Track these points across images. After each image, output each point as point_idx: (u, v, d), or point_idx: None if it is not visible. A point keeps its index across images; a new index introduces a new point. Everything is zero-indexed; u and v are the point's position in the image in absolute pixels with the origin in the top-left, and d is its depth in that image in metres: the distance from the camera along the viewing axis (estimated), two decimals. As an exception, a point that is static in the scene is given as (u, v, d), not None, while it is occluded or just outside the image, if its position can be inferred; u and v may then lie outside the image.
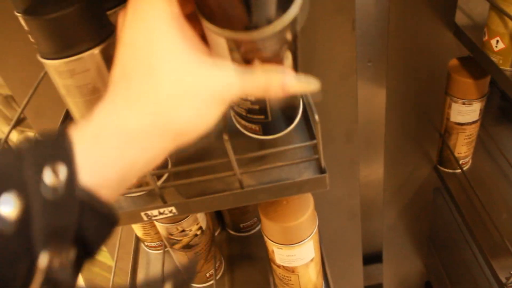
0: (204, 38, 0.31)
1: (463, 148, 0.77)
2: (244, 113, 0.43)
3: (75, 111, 0.48)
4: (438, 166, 0.82)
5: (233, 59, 0.31)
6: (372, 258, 1.10)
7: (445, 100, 0.73)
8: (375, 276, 1.11)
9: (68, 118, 0.67)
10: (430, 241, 0.99)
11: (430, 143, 0.80)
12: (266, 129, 0.43)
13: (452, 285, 0.97)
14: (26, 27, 0.52)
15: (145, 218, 0.49)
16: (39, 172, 0.23)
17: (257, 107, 0.41)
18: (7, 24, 0.65)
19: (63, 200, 0.24)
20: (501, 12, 0.54)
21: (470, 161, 0.82)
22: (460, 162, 0.79)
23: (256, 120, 0.43)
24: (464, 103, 0.71)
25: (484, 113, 0.79)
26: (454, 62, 0.71)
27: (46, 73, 0.61)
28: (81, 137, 0.26)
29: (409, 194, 0.87)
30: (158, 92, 0.27)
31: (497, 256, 0.69)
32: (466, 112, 0.72)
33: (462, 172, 0.78)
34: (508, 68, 0.58)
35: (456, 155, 0.78)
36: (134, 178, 0.29)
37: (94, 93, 0.45)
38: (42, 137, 0.26)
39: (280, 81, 0.31)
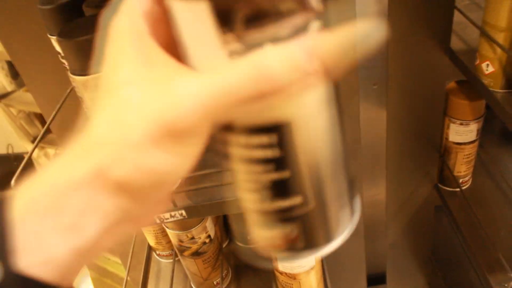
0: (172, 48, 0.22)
1: (462, 167, 0.81)
2: (257, 204, 0.26)
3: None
4: (439, 185, 0.86)
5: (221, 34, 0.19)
6: (375, 279, 1.12)
7: (444, 121, 0.77)
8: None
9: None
10: (433, 259, 1.01)
11: (430, 163, 0.83)
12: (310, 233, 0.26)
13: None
14: (58, 48, 0.59)
15: (157, 221, 0.53)
16: None
17: (286, 173, 0.24)
18: (39, 46, 0.72)
19: None
20: (490, 39, 0.59)
21: (470, 180, 0.85)
22: (460, 181, 0.82)
23: (287, 217, 0.26)
24: (461, 124, 0.75)
25: (485, 134, 0.83)
26: (452, 84, 0.75)
27: (71, 91, 0.67)
28: (20, 208, 0.22)
29: (411, 213, 0.90)
30: (98, 129, 0.21)
31: (494, 272, 0.72)
32: (463, 132, 0.75)
33: (461, 190, 0.81)
34: (499, 90, 0.62)
35: (456, 174, 0.81)
36: (92, 252, 0.23)
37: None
38: None
39: (306, 51, 0.18)
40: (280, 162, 0.24)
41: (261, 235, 0.28)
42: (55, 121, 0.81)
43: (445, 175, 0.84)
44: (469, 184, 0.85)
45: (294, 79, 0.19)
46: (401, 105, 0.76)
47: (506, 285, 0.67)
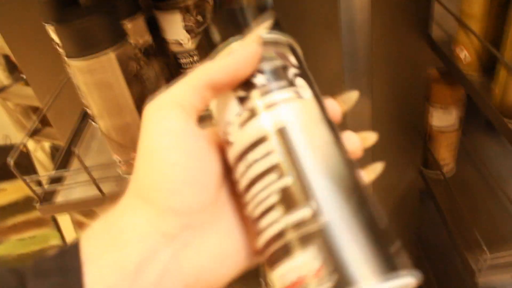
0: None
1: (445, 154, 0.84)
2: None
3: (92, 105, 0.56)
4: (423, 170, 0.89)
5: None
6: None
7: (426, 107, 0.80)
8: None
9: (84, 118, 0.76)
10: (419, 244, 1.04)
11: (415, 149, 0.86)
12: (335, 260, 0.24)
13: (439, 286, 1.02)
14: (54, 37, 0.61)
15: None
16: None
17: (288, 180, 0.25)
18: (36, 36, 0.74)
19: None
20: (466, 28, 0.62)
21: (454, 166, 0.88)
22: (444, 167, 0.85)
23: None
24: (442, 109, 0.78)
25: (469, 124, 0.86)
26: (433, 71, 0.78)
27: (67, 81, 0.70)
28: (93, 252, 0.24)
29: (396, 198, 0.93)
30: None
31: (473, 251, 0.75)
32: (445, 117, 0.79)
33: (444, 176, 0.85)
34: (475, 77, 0.65)
35: (440, 161, 0.84)
36: None
37: (109, 89, 0.53)
38: (49, 260, 0.24)
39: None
40: (279, 169, 0.25)
41: (281, 272, 0.24)
42: (53, 112, 0.84)
43: (429, 161, 0.87)
44: (452, 171, 0.88)
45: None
46: (385, 93, 0.79)
47: (482, 262, 0.70)
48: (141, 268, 0.24)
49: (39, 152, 1.99)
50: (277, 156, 0.25)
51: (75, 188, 0.61)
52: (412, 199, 0.94)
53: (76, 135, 0.71)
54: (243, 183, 0.26)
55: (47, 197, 0.60)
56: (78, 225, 1.57)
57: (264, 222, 0.25)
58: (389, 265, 0.23)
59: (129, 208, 0.26)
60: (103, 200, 0.58)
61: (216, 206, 0.27)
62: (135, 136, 0.58)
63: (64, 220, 1.63)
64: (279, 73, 0.27)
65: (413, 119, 0.83)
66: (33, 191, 0.58)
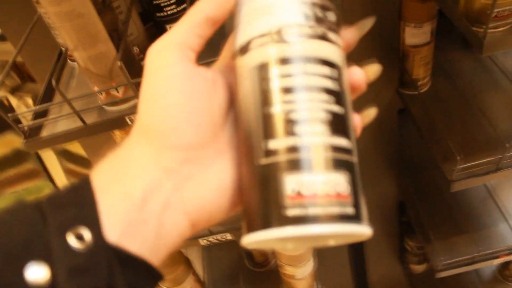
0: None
1: (420, 70, 0.86)
2: None
3: (66, 37, 0.56)
4: (400, 89, 0.91)
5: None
6: None
7: (400, 25, 0.81)
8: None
9: (60, 59, 0.76)
10: (401, 162, 1.08)
11: (390, 68, 0.88)
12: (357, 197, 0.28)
13: (421, 201, 1.07)
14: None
15: (129, 122, 0.58)
16: (62, 238, 0.23)
17: (342, 110, 0.28)
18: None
19: (89, 264, 0.23)
20: None
21: (429, 82, 0.90)
22: (419, 83, 0.88)
23: None
24: (415, 26, 0.79)
25: (442, 37, 0.87)
26: (405, -11, 0.78)
27: (38, 18, 0.70)
28: (103, 185, 0.26)
29: (376, 117, 0.96)
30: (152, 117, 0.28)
31: (447, 161, 0.79)
32: (418, 34, 0.80)
33: (419, 93, 0.87)
34: (443, -14, 0.66)
35: (415, 77, 0.86)
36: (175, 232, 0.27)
37: (79, 18, 0.54)
38: (64, 194, 0.26)
39: None
40: (338, 97, 0.28)
41: (309, 180, 0.26)
42: (27, 51, 0.83)
43: (405, 79, 0.89)
44: (427, 86, 0.90)
45: None
46: (358, 12, 0.79)
47: (454, 168, 0.74)
48: (146, 199, 0.26)
49: (22, 108, 1.98)
50: (337, 84, 0.28)
51: (58, 121, 0.62)
52: (391, 117, 0.97)
53: (55, 73, 0.71)
54: (282, 84, 0.27)
55: (32, 133, 0.62)
56: (70, 174, 1.59)
57: (300, 128, 0.26)
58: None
59: (134, 145, 0.28)
60: (87, 131, 0.60)
61: (217, 141, 0.29)
62: (111, 65, 0.59)
63: (56, 170, 1.65)
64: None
65: (387, 38, 0.84)
66: (17, 127, 0.60)
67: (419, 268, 1.35)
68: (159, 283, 0.28)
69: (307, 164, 0.25)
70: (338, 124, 0.27)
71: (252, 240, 0.26)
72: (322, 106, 0.27)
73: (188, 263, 1.05)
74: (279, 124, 0.26)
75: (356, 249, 1.25)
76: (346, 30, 0.31)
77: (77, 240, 0.23)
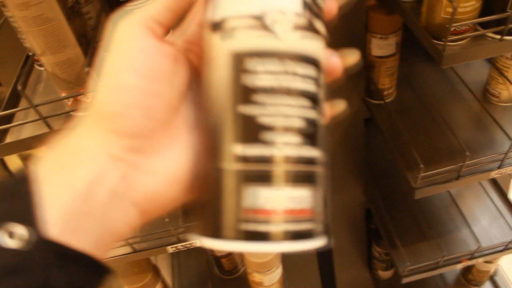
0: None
1: (385, 80, 0.88)
2: None
3: (33, 42, 0.56)
4: (366, 98, 0.94)
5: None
6: None
7: (366, 36, 0.84)
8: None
9: (26, 63, 0.75)
10: (367, 169, 1.11)
11: (357, 77, 0.91)
12: (320, 211, 0.26)
13: (387, 208, 1.10)
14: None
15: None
16: None
17: (318, 116, 0.26)
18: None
19: (23, 263, 0.21)
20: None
21: (394, 92, 0.93)
22: (385, 93, 0.90)
23: None
24: (381, 38, 0.81)
25: (407, 49, 0.90)
26: (371, 1, 0.81)
27: (4, 21, 0.69)
28: (46, 174, 0.24)
29: (343, 126, 0.98)
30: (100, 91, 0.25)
31: (411, 169, 0.81)
32: (384, 45, 0.82)
33: (385, 102, 0.90)
34: (407, 0, 0.68)
35: (380, 87, 0.89)
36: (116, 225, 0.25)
37: (47, 23, 0.53)
38: (1, 186, 0.24)
39: None
40: (316, 99, 0.25)
41: (271, 196, 0.23)
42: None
43: (371, 89, 0.91)
44: (393, 96, 0.93)
45: None
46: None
47: (417, 176, 0.77)
48: (91, 189, 0.24)
49: None
50: (317, 84, 0.25)
51: (24, 127, 0.61)
52: (357, 126, 0.99)
53: (21, 78, 0.70)
54: (260, 82, 0.24)
55: (-4, 137, 0.61)
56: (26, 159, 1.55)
57: (271, 137, 0.23)
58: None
59: (83, 130, 0.25)
60: (53, 137, 0.59)
61: (171, 126, 0.26)
62: (79, 71, 0.58)
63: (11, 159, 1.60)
64: None
65: (353, 48, 0.87)
66: (-19, 132, 0.59)
67: (386, 274, 1.37)
68: (106, 278, 0.26)
69: (272, 178, 0.23)
70: (311, 133, 0.24)
71: (206, 244, 0.25)
72: (299, 112, 0.24)
73: (156, 271, 1.04)
74: (248, 128, 0.24)
75: (325, 256, 1.27)
76: (332, 56, 0.28)
77: (9, 237, 0.21)
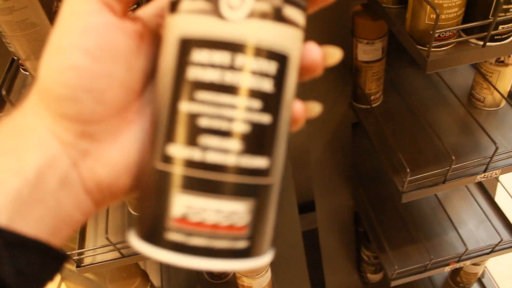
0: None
1: (372, 85, 0.89)
2: None
3: (17, 47, 0.56)
4: (353, 103, 0.94)
5: None
6: (305, 206, 1.22)
7: (352, 41, 0.84)
8: (311, 221, 1.23)
9: (13, 66, 0.74)
10: (355, 173, 1.11)
11: (344, 83, 0.91)
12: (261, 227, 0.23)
13: (374, 211, 1.10)
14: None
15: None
16: None
17: (269, 119, 0.22)
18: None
19: None
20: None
21: (381, 97, 0.94)
22: (372, 98, 0.91)
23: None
24: (367, 43, 0.82)
25: (393, 55, 0.91)
26: (357, 7, 0.82)
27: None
28: None
29: (330, 132, 0.99)
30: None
31: (398, 173, 0.82)
32: (370, 51, 0.83)
33: (371, 107, 0.91)
34: (391, 7, 0.69)
35: (367, 92, 0.90)
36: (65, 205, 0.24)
37: (32, 28, 0.53)
38: None
39: None
40: (271, 100, 0.22)
41: (200, 206, 0.21)
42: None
43: (358, 94, 0.92)
44: (380, 101, 0.94)
45: None
46: (311, 29, 0.82)
47: (404, 180, 0.77)
48: (41, 175, 0.22)
49: None
50: (276, 82, 0.22)
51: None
52: (345, 131, 1.00)
53: (6, 83, 0.70)
54: (201, 76, 0.21)
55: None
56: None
57: (207, 140, 0.21)
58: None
59: (30, 111, 0.23)
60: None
61: (128, 110, 0.24)
62: (64, 76, 0.58)
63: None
64: None
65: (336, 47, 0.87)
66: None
67: (375, 277, 1.38)
68: (64, 264, 0.24)
69: (203, 186, 0.21)
70: (260, 139, 0.21)
71: (134, 246, 0.23)
72: (245, 115, 0.21)
73: (145, 276, 1.04)
74: (183, 127, 0.21)
75: (314, 259, 1.27)
76: (313, 48, 0.25)
77: None
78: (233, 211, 0.21)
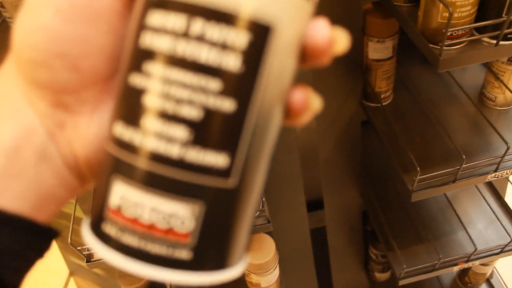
0: None
1: (382, 83, 0.89)
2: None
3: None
4: (363, 101, 0.94)
5: None
6: (314, 205, 1.22)
7: (363, 40, 0.84)
8: (319, 219, 1.23)
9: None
10: (364, 172, 1.11)
11: (354, 80, 0.91)
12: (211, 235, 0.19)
13: (383, 210, 1.10)
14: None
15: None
16: None
17: (231, 106, 0.18)
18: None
19: None
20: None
21: (391, 96, 0.94)
22: (382, 96, 0.91)
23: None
24: (378, 41, 0.82)
25: (404, 54, 0.91)
26: (369, 5, 0.81)
27: (3, 21, 0.69)
28: None
29: (340, 129, 0.99)
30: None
31: (408, 172, 0.82)
32: (381, 49, 0.83)
33: (381, 105, 0.90)
34: (402, 5, 0.69)
35: (377, 90, 0.89)
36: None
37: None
38: None
39: None
40: (232, 82, 0.17)
41: (135, 200, 0.18)
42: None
43: (368, 92, 0.92)
44: (390, 99, 0.94)
45: None
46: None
47: (414, 179, 0.77)
48: (17, 146, 0.21)
49: None
50: (249, 59, 0.17)
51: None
52: (354, 129, 1.00)
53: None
54: (153, 44, 0.18)
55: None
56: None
57: (149, 121, 0.18)
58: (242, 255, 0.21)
59: (6, 74, 0.22)
60: None
61: (106, 85, 0.22)
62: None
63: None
64: None
65: (351, 52, 0.87)
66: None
67: (383, 276, 1.38)
68: (52, 240, 0.23)
69: (140, 176, 0.18)
70: (216, 128, 0.17)
71: (83, 233, 0.20)
72: (199, 96, 0.17)
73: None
74: (127, 106, 0.18)
75: (321, 257, 1.27)
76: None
77: None
78: (173, 213, 0.18)
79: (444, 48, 0.60)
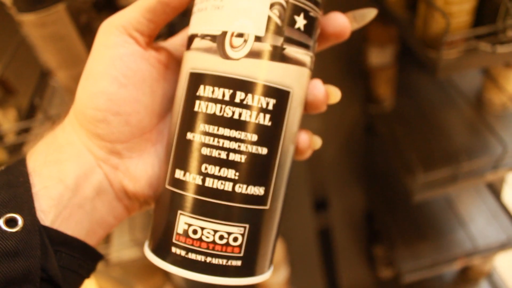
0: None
1: (384, 89, 0.92)
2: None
3: (51, 59, 0.59)
4: (366, 106, 0.97)
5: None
6: (320, 205, 1.24)
7: (365, 46, 0.87)
8: (325, 220, 1.25)
9: (43, 77, 0.78)
10: (369, 174, 1.14)
11: (357, 86, 0.94)
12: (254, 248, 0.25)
13: (387, 210, 1.13)
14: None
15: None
16: None
17: (264, 151, 0.24)
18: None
19: (22, 246, 0.22)
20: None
21: (393, 100, 0.96)
22: (384, 101, 0.93)
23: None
24: (379, 48, 0.84)
25: (405, 61, 0.93)
26: (369, 13, 0.84)
27: (22, 40, 0.72)
28: (37, 167, 0.25)
29: (344, 133, 1.01)
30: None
31: (410, 174, 0.84)
32: (382, 55, 0.85)
33: (383, 109, 0.93)
34: (402, 11, 0.71)
35: (379, 95, 0.92)
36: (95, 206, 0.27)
37: (62, 41, 0.57)
38: None
39: None
40: (269, 133, 0.24)
41: (199, 226, 0.24)
42: (13, 77, 0.85)
43: (370, 97, 0.94)
44: (391, 104, 0.96)
45: None
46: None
47: (415, 181, 0.80)
48: (78, 183, 0.25)
49: (6, 123, 1.95)
50: (275, 117, 0.24)
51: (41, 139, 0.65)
52: (358, 133, 1.02)
53: (37, 93, 0.74)
54: (204, 109, 0.24)
55: (15, 148, 0.64)
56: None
57: (206, 168, 0.23)
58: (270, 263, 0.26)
59: (68, 128, 0.27)
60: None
61: (153, 131, 0.28)
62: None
63: None
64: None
65: (353, 58, 0.90)
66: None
67: (387, 274, 1.40)
68: (98, 263, 0.27)
69: (201, 208, 0.23)
70: (255, 169, 0.24)
71: (148, 256, 0.26)
72: (242, 146, 0.23)
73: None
74: (187, 155, 0.24)
75: (328, 256, 1.29)
76: (339, 17, 0.28)
77: (8, 223, 0.22)
78: (228, 233, 0.24)
79: (442, 55, 0.63)
